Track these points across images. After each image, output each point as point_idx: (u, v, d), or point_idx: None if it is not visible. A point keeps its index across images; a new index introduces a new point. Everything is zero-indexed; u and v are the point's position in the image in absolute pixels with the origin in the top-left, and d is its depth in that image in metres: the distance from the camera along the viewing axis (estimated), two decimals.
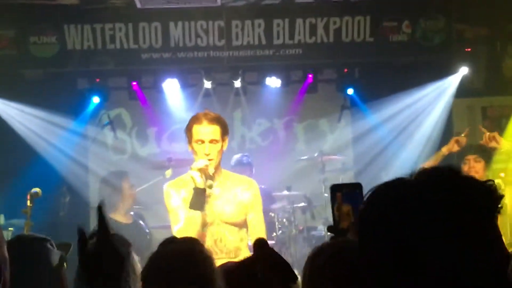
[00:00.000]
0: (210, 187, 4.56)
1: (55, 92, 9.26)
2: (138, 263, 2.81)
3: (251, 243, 4.80)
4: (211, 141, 4.55)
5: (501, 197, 1.44)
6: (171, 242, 2.68)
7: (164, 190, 4.74)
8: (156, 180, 8.25)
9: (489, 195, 1.42)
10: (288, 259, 8.37)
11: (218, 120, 4.64)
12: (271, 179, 8.83)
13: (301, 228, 8.77)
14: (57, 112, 9.30)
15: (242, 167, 8.00)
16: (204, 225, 4.55)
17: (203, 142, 4.56)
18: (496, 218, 1.44)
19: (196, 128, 4.59)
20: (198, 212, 4.48)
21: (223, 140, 4.63)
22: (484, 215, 1.40)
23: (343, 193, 2.29)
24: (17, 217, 7.59)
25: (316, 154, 8.86)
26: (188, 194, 4.59)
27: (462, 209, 1.39)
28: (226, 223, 4.64)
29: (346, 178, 9.60)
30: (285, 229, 8.66)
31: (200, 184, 4.49)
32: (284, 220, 8.68)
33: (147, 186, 8.46)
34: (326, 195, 8.91)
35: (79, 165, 9.68)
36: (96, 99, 9.58)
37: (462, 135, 6.80)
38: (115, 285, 2.30)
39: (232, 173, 4.95)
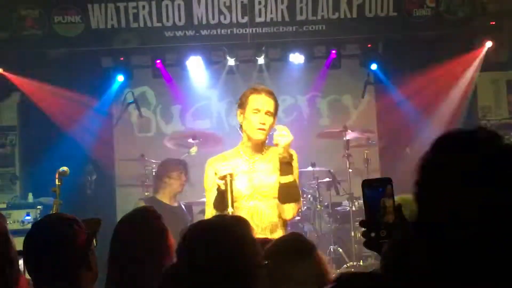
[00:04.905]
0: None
1: (80, 71, 9.33)
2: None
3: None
4: (266, 112, 4.51)
5: None
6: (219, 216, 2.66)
7: (205, 166, 4.66)
8: (181, 158, 8.31)
9: None
10: (314, 235, 8.47)
11: (274, 95, 4.62)
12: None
13: (326, 204, 8.80)
14: (82, 91, 9.36)
15: None
16: (242, 198, 4.50)
17: (259, 111, 4.51)
18: None
19: (253, 97, 4.54)
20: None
21: (274, 116, 4.61)
22: None
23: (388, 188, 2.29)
24: (45, 196, 7.69)
25: (340, 130, 8.86)
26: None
27: None
28: (265, 196, 4.55)
29: (370, 153, 9.60)
30: (310, 205, 8.71)
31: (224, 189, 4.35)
32: (309, 196, 8.72)
33: None
34: (350, 170, 8.93)
35: (105, 143, 9.76)
36: (120, 78, 9.62)
37: None
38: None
39: (274, 147, 4.91)
